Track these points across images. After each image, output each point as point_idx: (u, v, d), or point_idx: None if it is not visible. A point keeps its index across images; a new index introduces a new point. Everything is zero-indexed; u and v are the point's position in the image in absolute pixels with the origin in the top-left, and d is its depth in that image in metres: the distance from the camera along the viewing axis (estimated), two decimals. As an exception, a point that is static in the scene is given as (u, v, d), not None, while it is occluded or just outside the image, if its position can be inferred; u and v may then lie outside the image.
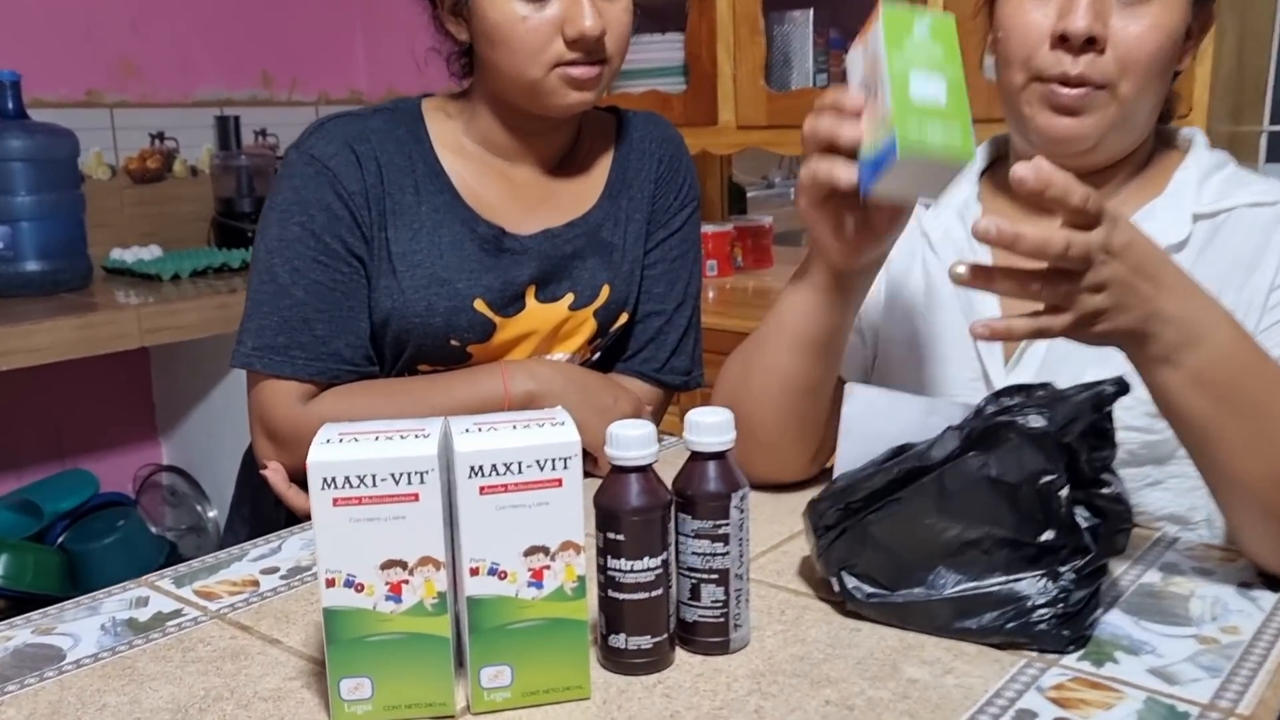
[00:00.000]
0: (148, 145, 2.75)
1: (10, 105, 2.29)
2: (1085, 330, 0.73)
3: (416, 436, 0.65)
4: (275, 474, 1.04)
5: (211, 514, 2.69)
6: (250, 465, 1.16)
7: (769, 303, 1.11)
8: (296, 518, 1.05)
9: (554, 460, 0.64)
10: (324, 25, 3.08)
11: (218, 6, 2.84)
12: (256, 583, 0.86)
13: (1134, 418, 0.89)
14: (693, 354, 1.22)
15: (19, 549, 2.36)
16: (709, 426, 0.71)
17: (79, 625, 0.79)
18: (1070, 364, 0.93)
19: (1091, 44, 0.87)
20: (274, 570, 0.88)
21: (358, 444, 0.64)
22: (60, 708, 0.68)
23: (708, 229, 2.38)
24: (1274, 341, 0.87)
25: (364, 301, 1.07)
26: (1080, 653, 0.72)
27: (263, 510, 1.12)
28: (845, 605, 0.78)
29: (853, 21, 2.04)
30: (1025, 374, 0.96)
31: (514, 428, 0.66)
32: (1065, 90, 0.89)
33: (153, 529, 2.62)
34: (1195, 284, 0.75)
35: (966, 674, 0.70)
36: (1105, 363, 0.88)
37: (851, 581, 0.77)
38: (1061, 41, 0.88)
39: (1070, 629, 0.72)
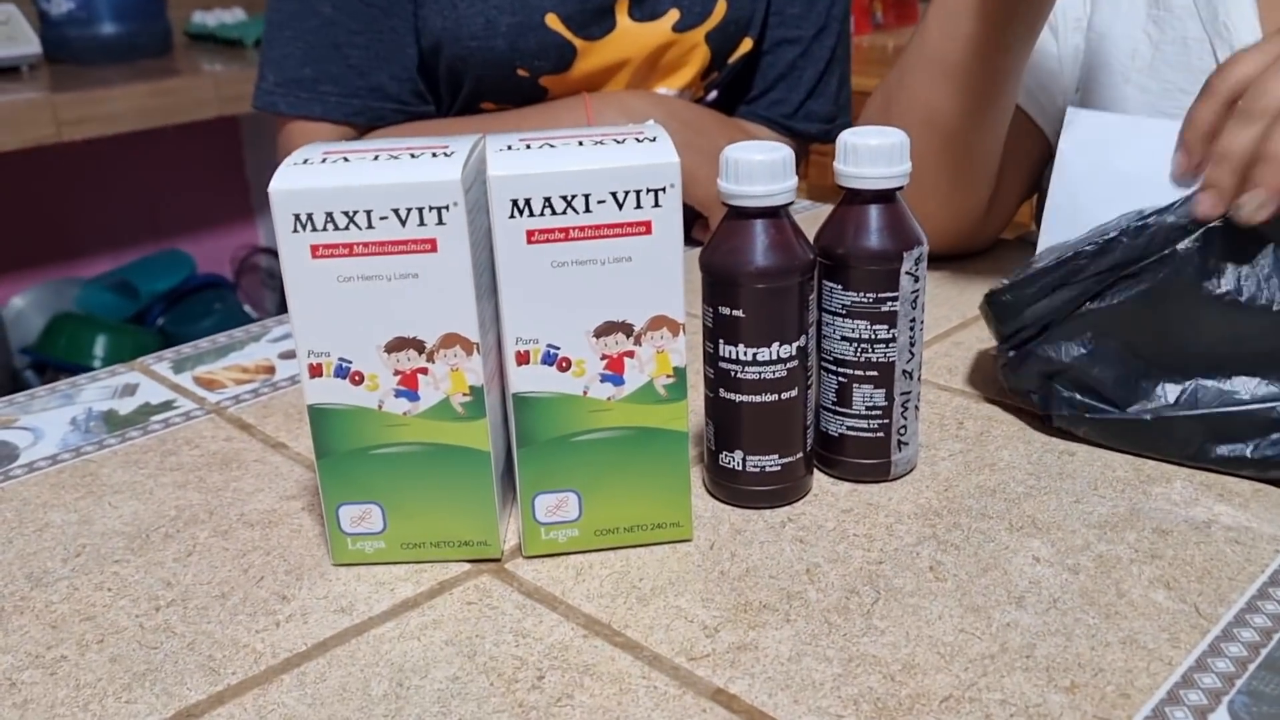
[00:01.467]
0: (229, -106, 2.53)
1: None
2: None
3: (434, 155, 0.43)
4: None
5: (310, 297, 2.58)
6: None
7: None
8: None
9: (640, 191, 0.42)
10: None
11: None
12: (272, 369, 0.68)
13: None
14: (837, 97, 0.96)
15: (118, 330, 2.30)
16: (873, 151, 0.47)
17: (46, 417, 0.62)
18: None
19: None
20: (291, 354, 0.70)
21: (348, 165, 0.42)
22: (-9, 526, 0.51)
23: (845, -23, 2.07)
24: None
25: (409, 20, 0.83)
26: None
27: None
28: (1052, 421, 0.55)
29: None
30: None
31: (580, 144, 0.44)
32: None
33: (253, 313, 2.53)
34: None
35: (1242, 524, 0.48)
36: None
37: (1066, 392, 0.54)
38: None
39: None
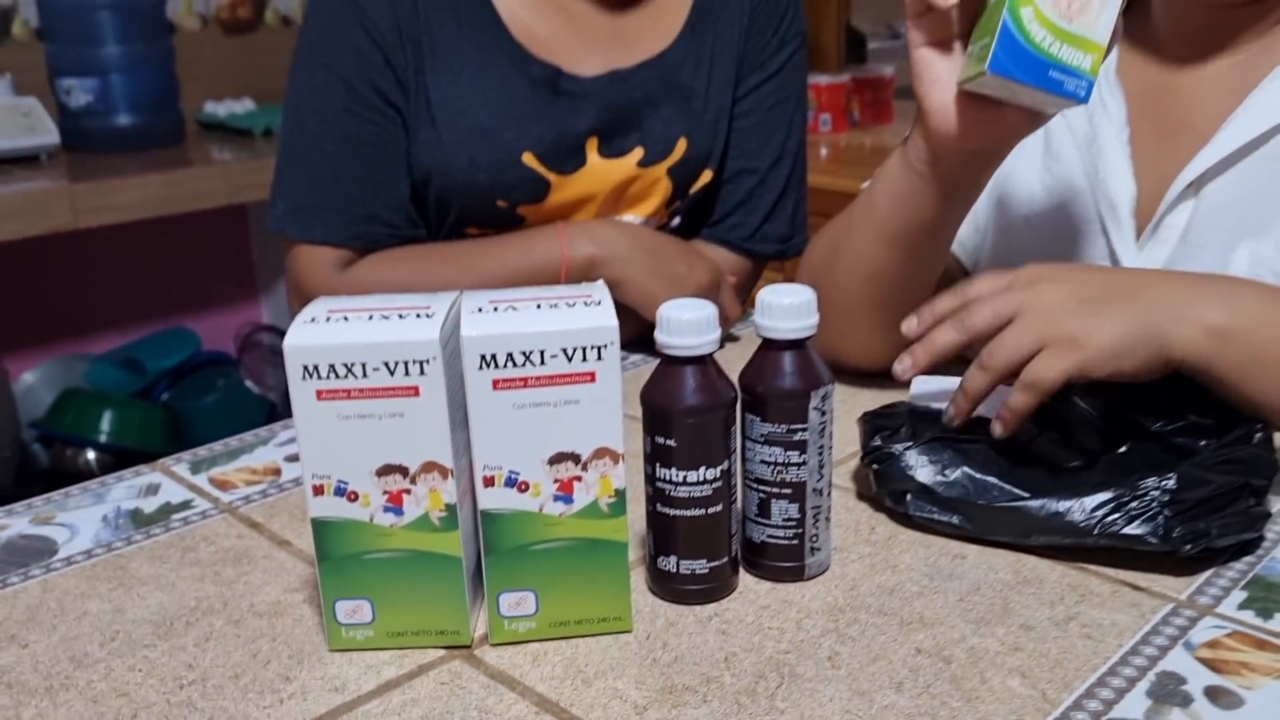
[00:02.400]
0: (238, -7, 2.67)
1: (94, -50, 2.22)
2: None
3: (418, 316, 0.53)
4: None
5: (310, 374, 2.67)
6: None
7: (885, 160, 0.95)
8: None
9: (586, 348, 0.52)
10: None
11: None
12: (278, 470, 0.77)
13: None
14: (792, 218, 1.06)
15: (124, 405, 2.39)
16: (784, 309, 0.57)
17: (80, 515, 0.71)
18: (1211, 239, 0.76)
19: None
20: (297, 457, 0.79)
21: (347, 324, 0.52)
22: (37, 614, 0.60)
23: (821, 80, 2.20)
24: None
25: (402, 156, 0.94)
26: (1242, 596, 0.58)
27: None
28: (913, 518, 0.65)
29: None
30: (1160, 253, 0.80)
31: (538, 307, 0.53)
32: None
33: (255, 388, 2.62)
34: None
35: (1095, 621, 0.57)
36: (1260, 236, 0.73)
37: (916, 500, 0.65)
38: None
39: (1186, 527, 0.58)
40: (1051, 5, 0.62)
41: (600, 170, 0.97)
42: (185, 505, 0.72)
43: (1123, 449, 0.65)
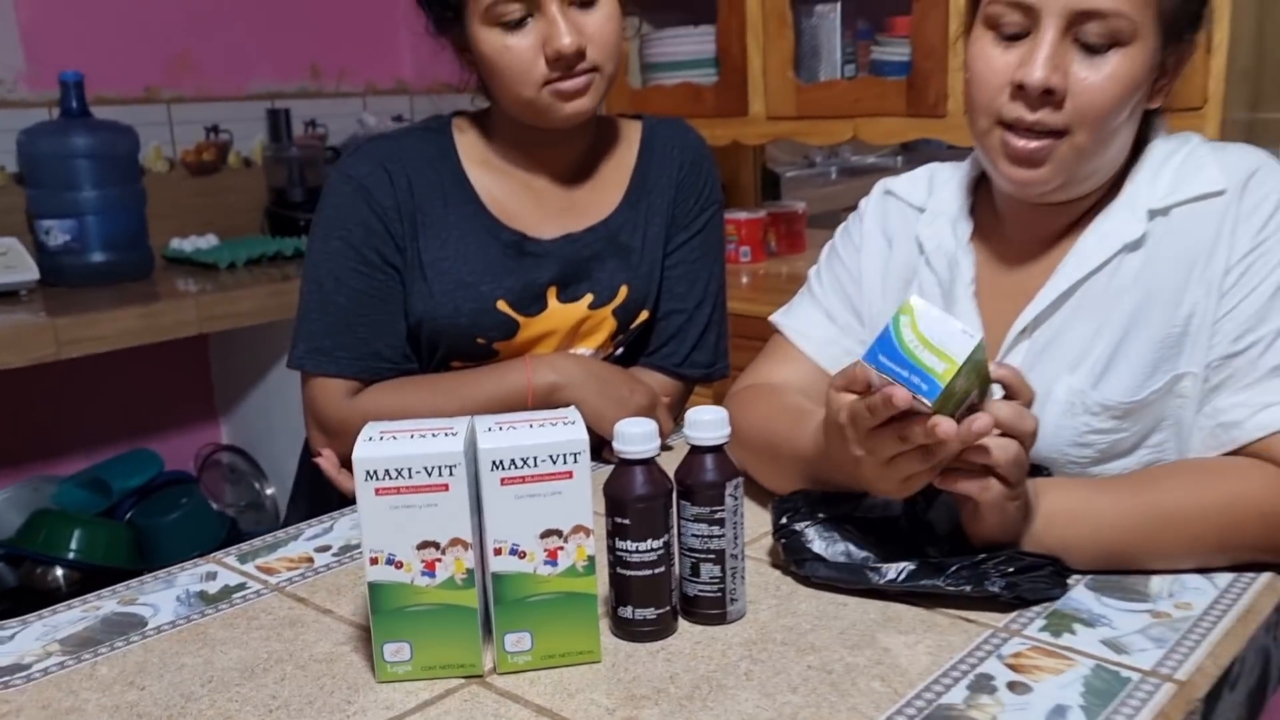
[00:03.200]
0: (203, 139, 2.87)
1: (74, 104, 2.41)
2: (995, 514, 0.82)
3: (446, 435, 0.74)
4: (327, 461, 1.15)
5: (269, 491, 2.81)
6: (309, 452, 1.27)
7: (799, 287, 1.19)
8: (347, 499, 1.15)
9: (566, 455, 0.74)
10: (369, 17, 3.18)
11: (269, 2, 2.95)
12: (311, 559, 0.97)
13: (1102, 421, 0.95)
14: (715, 347, 1.30)
15: (91, 524, 2.50)
16: (706, 423, 0.80)
17: (157, 596, 0.90)
18: (1039, 374, 0.98)
19: (1050, 94, 0.88)
20: (326, 549, 0.99)
21: (396, 442, 0.74)
22: (146, 666, 0.79)
23: (741, 215, 2.44)
24: (1230, 329, 0.91)
25: (400, 305, 1.17)
26: (1042, 623, 0.80)
27: (320, 491, 1.23)
28: (810, 579, 0.87)
29: (879, 13, 2.10)
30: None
31: (530, 426, 0.75)
32: (1022, 143, 0.91)
33: (214, 506, 2.75)
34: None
35: (936, 643, 0.78)
36: (1074, 371, 0.95)
37: (815, 564, 0.88)
38: (1020, 90, 0.90)
39: (1010, 585, 0.81)
40: (925, 320, 0.74)
41: (559, 313, 1.21)
42: (241, 587, 0.92)
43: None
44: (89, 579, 2.35)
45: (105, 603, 0.90)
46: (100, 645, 0.82)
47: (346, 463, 1.14)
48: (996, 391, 0.80)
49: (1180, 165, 0.95)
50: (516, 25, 1.10)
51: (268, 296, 2.41)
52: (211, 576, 0.94)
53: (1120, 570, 0.88)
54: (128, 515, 2.62)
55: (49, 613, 0.89)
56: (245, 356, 2.78)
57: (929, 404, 0.73)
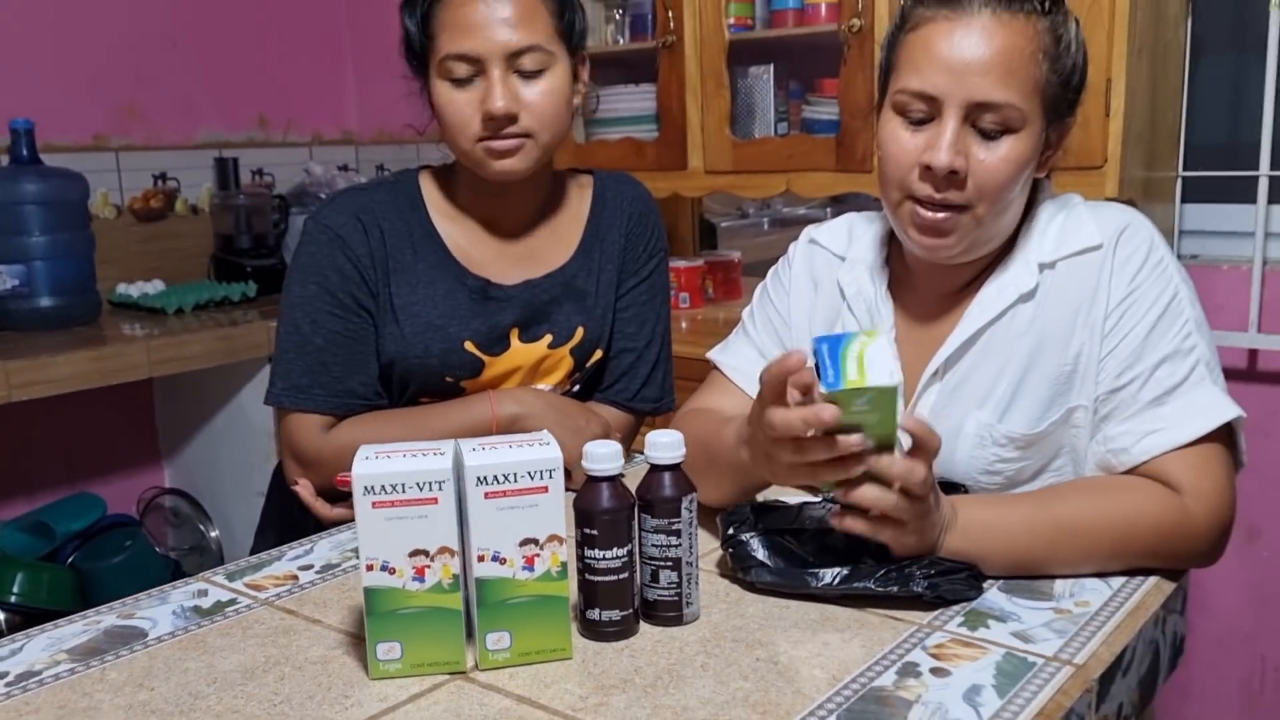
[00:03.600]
0: (151, 186, 2.92)
1: (25, 151, 2.45)
2: (906, 541, 0.93)
3: (435, 454, 0.83)
4: (305, 489, 1.22)
5: (214, 534, 2.83)
6: (279, 481, 1.34)
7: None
8: (322, 525, 1.22)
9: (542, 471, 0.83)
10: (317, 68, 3.27)
11: (217, 53, 3.02)
12: (296, 577, 1.04)
13: (1007, 451, 1.08)
14: (662, 383, 1.41)
15: (33, 568, 2.50)
16: (663, 444, 0.90)
17: (154, 611, 0.97)
18: (951, 411, 1.10)
19: (954, 175, 1.00)
20: (309, 567, 1.06)
21: (390, 460, 0.82)
22: (152, 671, 0.86)
23: (680, 264, 2.56)
24: (1113, 367, 1.03)
25: (373, 346, 1.26)
26: (960, 619, 0.91)
27: (291, 519, 1.30)
28: (755, 585, 0.97)
29: (810, 75, 2.24)
30: None
31: (510, 447, 0.85)
32: (929, 214, 1.03)
33: (157, 549, 2.76)
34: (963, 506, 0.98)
35: (869, 638, 0.89)
36: (982, 407, 1.07)
37: (759, 571, 0.97)
38: (928, 171, 1.01)
39: (933, 586, 0.92)
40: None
41: (521, 352, 1.30)
42: (233, 602, 0.99)
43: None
44: (30, 622, 2.35)
45: (105, 617, 0.96)
46: (106, 654, 0.89)
47: (322, 492, 1.22)
48: (906, 441, 0.91)
49: (1063, 224, 1.09)
50: (464, 82, 1.21)
51: (215, 341, 2.46)
52: (203, 593, 1.01)
53: (1029, 576, 0.99)
54: (70, 559, 2.62)
55: (51, 626, 0.95)
56: (190, 400, 2.81)
57: (824, 392, 0.84)
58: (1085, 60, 1.07)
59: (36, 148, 2.47)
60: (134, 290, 2.75)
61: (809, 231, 1.26)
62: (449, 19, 1.20)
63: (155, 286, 2.79)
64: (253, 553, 1.26)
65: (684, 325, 2.44)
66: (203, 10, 2.98)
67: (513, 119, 1.20)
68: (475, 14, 1.19)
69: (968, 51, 1.00)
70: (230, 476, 2.75)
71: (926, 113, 1.03)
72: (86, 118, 2.80)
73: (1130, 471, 1.02)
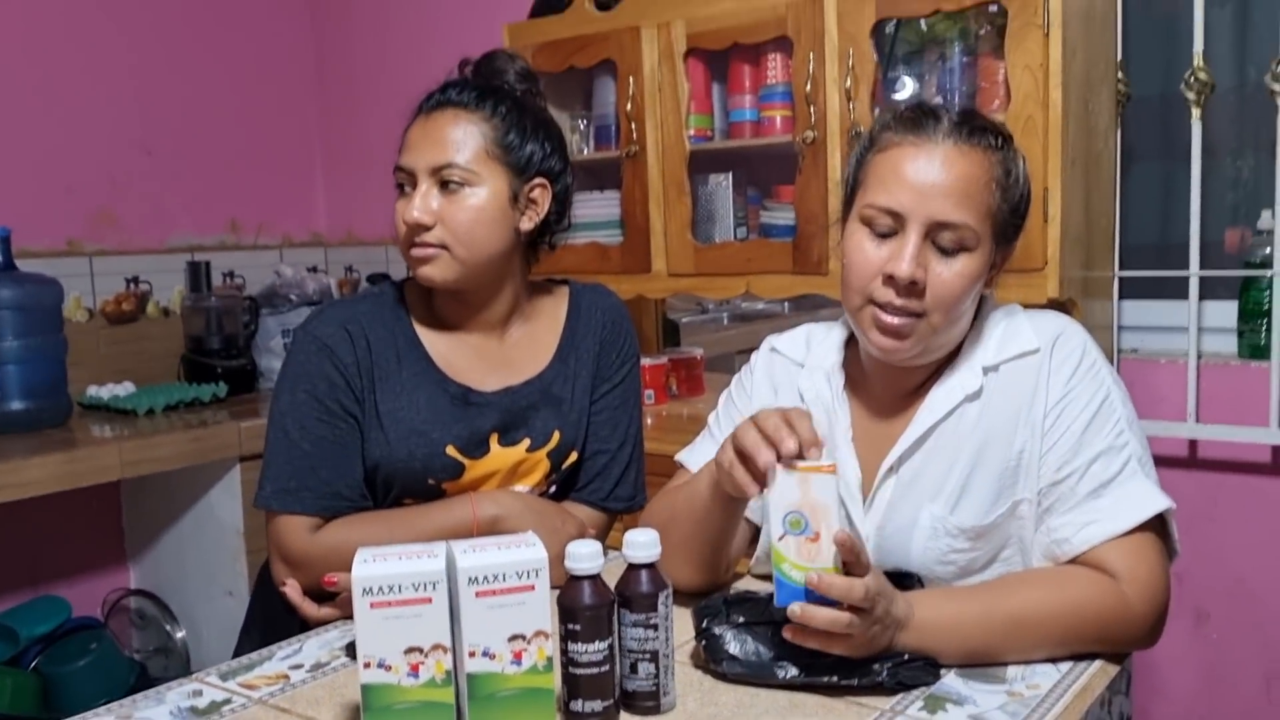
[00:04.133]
0: (123, 289, 2.97)
1: (0, 258, 2.49)
2: (858, 649, 0.98)
3: (429, 556, 0.89)
4: (293, 590, 1.27)
5: (179, 634, 2.81)
6: (265, 581, 1.38)
7: (700, 427, 1.38)
8: (308, 624, 1.26)
9: (529, 571, 0.89)
10: (288, 173, 3.36)
11: (191, 159, 3.11)
12: (287, 676, 1.08)
13: (959, 542, 1.15)
14: (635, 483, 1.48)
15: (-4, 673, 2.48)
16: (641, 544, 0.97)
17: (153, 711, 1.01)
18: (906, 505, 1.18)
19: (914, 285, 1.10)
20: (300, 666, 1.11)
21: (387, 563, 0.88)
22: (154, 770, 0.90)
23: (645, 361, 2.62)
24: (1053, 462, 1.12)
25: (359, 451, 1.32)
26: (920, 704, 0.97)
27: (276, 619, 1.34)
28: (727, 675, 1.03)
29: (767, 182, 2.36)
30: (876, 517, 1.20)
31: (499, 548, 0.91)
32: (889, 319, 1.12)
33: (122, 651, 2.74)
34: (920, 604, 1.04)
35: (835, 724, 0.95)
36: (934, 501, 1.15)
37: (731, 664, 1.03)
38: (890, 280, 1.11)
39: (905, 672, 0.98)
40: (795, 553, 0.96)
41: (500, 455, 1.37)
42: (227, 701, 1.03)
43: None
44: (-8, 729, 2.33)
45: (103, 718, 1.00)
46: (108, 753, 0.93)
47: (309, 592, 1.26)
48: (868, 532, 0.97)
49: (1004, 330, 1.19)
50: (403, 192, 1.32)
51: (186, 442, 2.48)
52: (198, 694, 1.05)
53: (983, 664, 1.05)
54: (34, 663, 2.60)
55: (51, 730, 0.98)
56: (158, 500, 2.81)
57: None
58: (1029, 192, 1.18)
59: (12, 254, 2.50)
60: (104, 392, 2.77)
61: (770, 340, 1.35)
62: (405, 138, 1.34)
63: (126, 388, 2.82)
64: (237, 652, 1.30)
65: (649, 421, 2.49)
66: (177, 118, 3.07)
67: (426, 229, 1.30)
68: (416, 133, 1.32)
69: (931, 175, 1.10)
70: (198, 577, 2.75)
71: (891, 227, 1.12)
72: (61, 224, 2.86)
73: (1072, 561, 1.10)
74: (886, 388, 1.23)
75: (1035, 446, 1.13)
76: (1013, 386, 1.16)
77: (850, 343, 1.28)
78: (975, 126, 1.13)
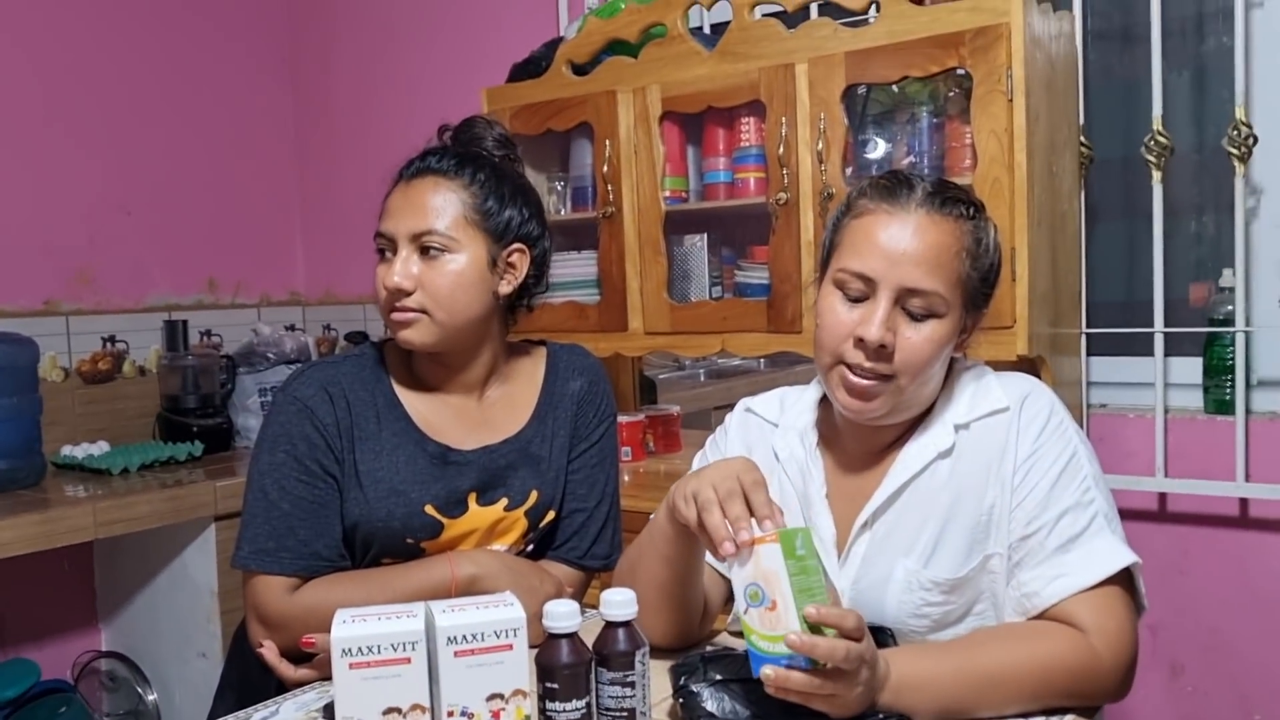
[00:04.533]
0: (100, 348, 2.97)
1: (-23, 319, 2.49)
2: (839, 710, 0.99)
3: (408, 617, 0.90)
4: (270, 651, 1.27)
5: (151, 697, 2.78)
6: (241, 642, 1.38)
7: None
8: (283, 686, 1.26)
9: (507, 630, 0.90)
10: (266, 232, 3.38)
11: (169, 219, 3.12)
12: (263, 739, 1.08)
13: (933, 595, 1.17)
14: (612, 540, 1.49)
15: (-37, 740, 2.44)
16: (617, 603, 0.98)
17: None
18: (881, 559, 1.19)
19: (883, 348, 1.13)
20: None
21: (366, 623, 0.89)
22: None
23: (623, 419, 2.62)
24: (1022, 517, 1.14)
25: (337, 511, 1.33)
26: (897, 764, 0.98)
27: (252, 681, 1.33)
28: None
29: (741, 243, 2.39)
30: (852, 570, 1.21)
31: (478, 608, 0.92)
32: (858, 380, 1.15)
33: (92, 715, 2.70)
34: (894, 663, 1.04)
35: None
36: (908, 555, 1.17)
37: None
38: (860, 343, 1.14)
39: None
40: (759, 624, 0.97)
41: (478, 514, 1.38)
42: (204, 765, 1.02)
43: None
44: (-41, 797, 2.29)
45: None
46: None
47: (286, 653, 1.26)
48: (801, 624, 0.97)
49: (974, 390, 1.22)
50: (385, 257, 1.35)
51: (161, 501, 2.47)
52: (173, 757, 1.04)
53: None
54: (-1, 730, 2.56)
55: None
56: (131, 561, 2.79)
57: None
58: (1000, 260, 1.22)
59: (-12, 315, 2.50)
60: (79, 452, 2.76)
61: (744, 402, 1.38)
62: (386, 204, 1.36)
63: (100, 448, 2.81)
64: (211, 715, 1.30)
65: (626, 479, 2.50)
66: (156, 178, 3.09)
67: (406, 293, 1.32)
68: (397, 199, 1.35)
69: (903, 243, 1.14)
70: (171, 638, 2.73)
71: (863, 291, 1.15)
72: (38, 283, 2.86)
73: (1042, 614, 1.11)
74: (859, 445, 1.26)
75: (1005, 501, 1.16)
76: (983, 443, 1.18)
77: (823, 402, 1.31)
78: (948, 197, 1.17)
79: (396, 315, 1.33)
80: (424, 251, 1.33)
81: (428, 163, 1.36)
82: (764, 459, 1.30)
